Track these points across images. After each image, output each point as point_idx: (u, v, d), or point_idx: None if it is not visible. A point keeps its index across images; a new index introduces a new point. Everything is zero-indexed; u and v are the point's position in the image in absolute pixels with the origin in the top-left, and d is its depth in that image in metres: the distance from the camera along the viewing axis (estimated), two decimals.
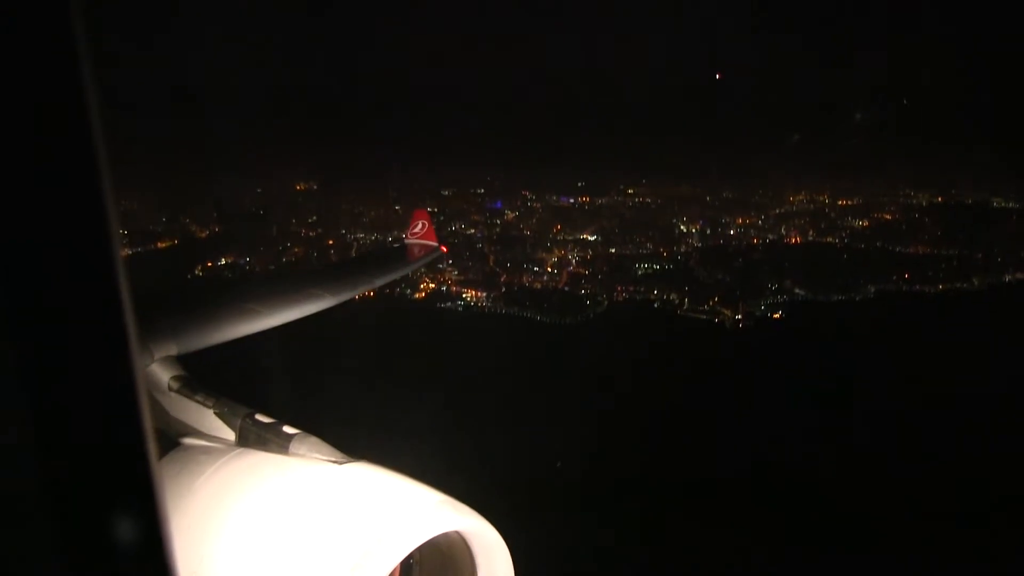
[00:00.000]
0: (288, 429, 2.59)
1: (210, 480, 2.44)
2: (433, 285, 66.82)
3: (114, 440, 1.01)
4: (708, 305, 63.03)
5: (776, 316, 61.43)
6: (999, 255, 66.51)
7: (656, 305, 64.10)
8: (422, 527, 2.07)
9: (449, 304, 64.74)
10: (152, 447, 1.02)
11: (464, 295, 65.70)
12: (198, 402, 2.99)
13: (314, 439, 2.51)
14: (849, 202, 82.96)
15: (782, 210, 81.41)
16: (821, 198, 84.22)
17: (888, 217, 78.32)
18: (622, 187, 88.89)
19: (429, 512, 2.14)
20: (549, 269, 69.95)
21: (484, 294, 65.54)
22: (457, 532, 2.22)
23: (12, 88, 0.87)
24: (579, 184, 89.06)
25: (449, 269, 67.92)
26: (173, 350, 3.38)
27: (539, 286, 67.55)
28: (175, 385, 3.15)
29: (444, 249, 9.46)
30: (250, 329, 4.32)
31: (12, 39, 0.86)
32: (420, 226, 9.00)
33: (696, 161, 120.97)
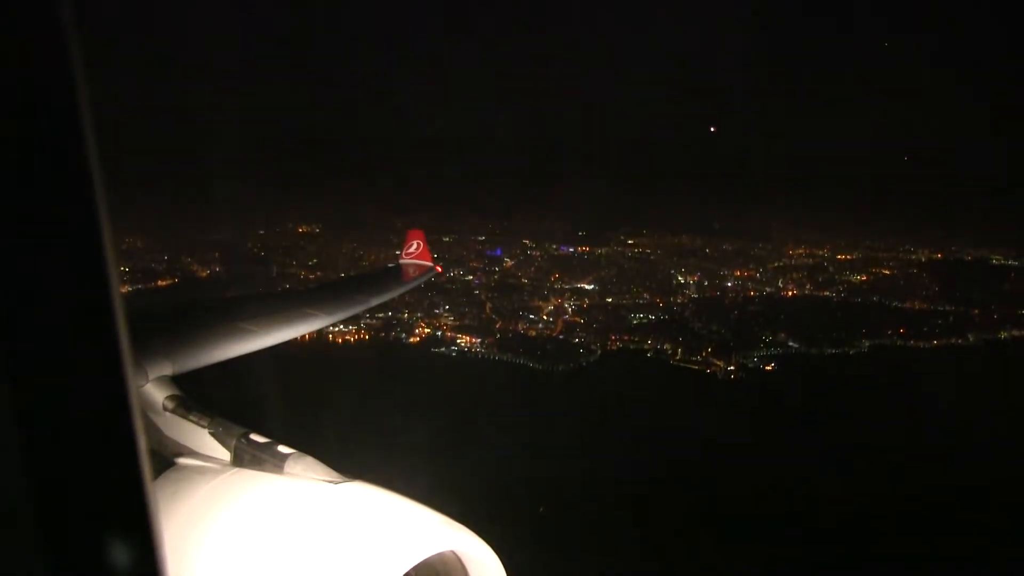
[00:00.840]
0: (283, 449, 2.57)
1: (205, 500, 2.41)
2: (428, 330, 67.28)
3: (108, 460, 0.99)
4: (701, 356, 62.99)
5: (768, 368, 61.25)
6: (996, 312, 66.28)
7: (649, 355, 64.11)
8: (418, 547, 2.06)
9: (443, 349, 65.07)
10: (146, 467, 1.01)
11: (459, 340, 66.06)
12: (193, 422, 2.97)
13: (309, 459, 2.50)
14: (848, 257, 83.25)
15: (781, 263, 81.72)
16: (821, 252, 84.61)
17: (887, 272, 78.43)
18: (623, 237, 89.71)
19: (425, 532, 2.12)
20: (545, 317, 70.30)
21: (478, 340, 65.88)
22: (453, 552, 2.19)
23: (10, 94, 0.86)
24: (580, 234, 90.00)
25: (445, 315, 68.50)
26: (168, 370, 3.37)
27: (534, 333, 67.82)
28: (170, 405, 3.13)
29: (439, 269, 9.18)
30: (245, 348, 4.31)
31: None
32: (415, 246, 8.78)
33: (698, 213, 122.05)
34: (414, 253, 8.71)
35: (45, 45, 0.88)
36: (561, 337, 67.21)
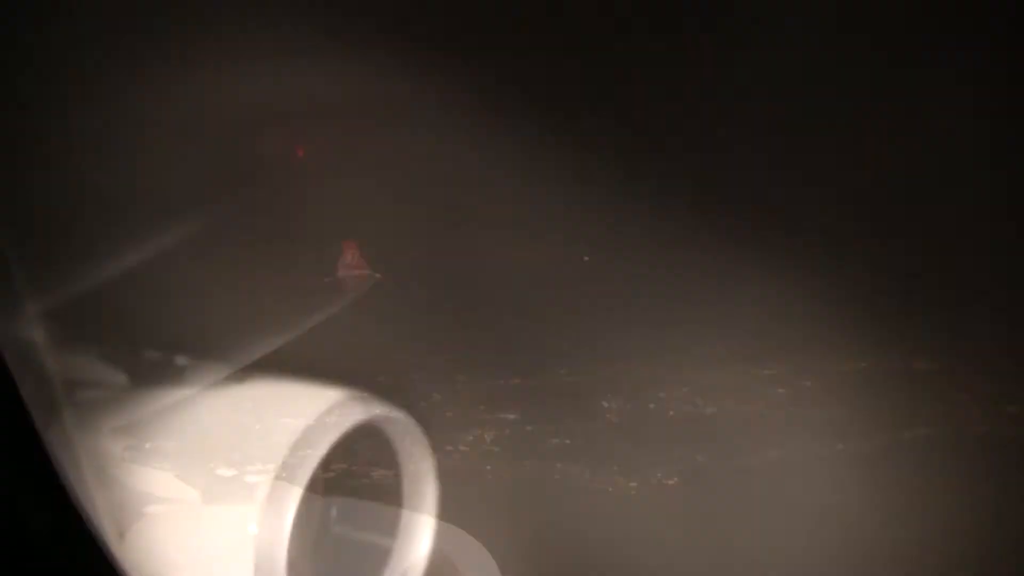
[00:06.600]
0: (254, 479, 2.49)
1: (180, 546, 2.37)
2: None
3: (62, 525, 0.89)
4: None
5: (670, 482, 60.66)
6: None
7: (557, 476, 64.03)
8: (410, 549, 2.03)
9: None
10: (110, 526, 0.96)
11: None
12: (154, 467, 2.77)
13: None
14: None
15: None
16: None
17: None
18: (561, 372, 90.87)
19: (416, 534, 2.09)
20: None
21: None
22: (446, 554, 2.18)
23: None
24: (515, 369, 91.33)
25: None
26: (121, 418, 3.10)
27: None
28: (127, 454, 2.85)
29: (380, 276, 9.55)
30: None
31: None
32: (351, 256, 9.34)
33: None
34: (351, 264, 8.91)
35: None
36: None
